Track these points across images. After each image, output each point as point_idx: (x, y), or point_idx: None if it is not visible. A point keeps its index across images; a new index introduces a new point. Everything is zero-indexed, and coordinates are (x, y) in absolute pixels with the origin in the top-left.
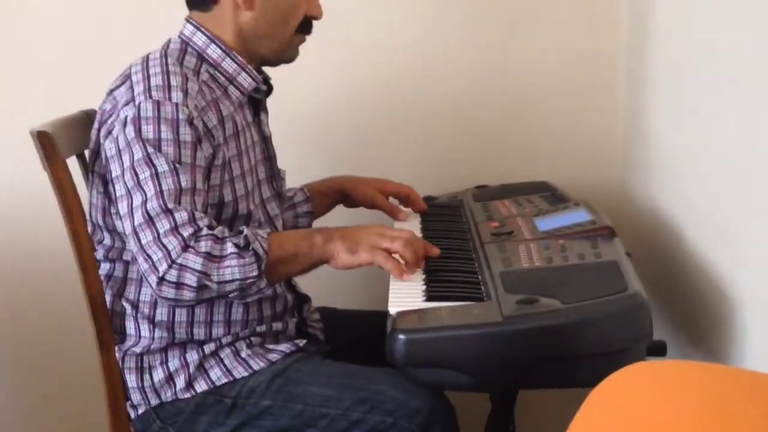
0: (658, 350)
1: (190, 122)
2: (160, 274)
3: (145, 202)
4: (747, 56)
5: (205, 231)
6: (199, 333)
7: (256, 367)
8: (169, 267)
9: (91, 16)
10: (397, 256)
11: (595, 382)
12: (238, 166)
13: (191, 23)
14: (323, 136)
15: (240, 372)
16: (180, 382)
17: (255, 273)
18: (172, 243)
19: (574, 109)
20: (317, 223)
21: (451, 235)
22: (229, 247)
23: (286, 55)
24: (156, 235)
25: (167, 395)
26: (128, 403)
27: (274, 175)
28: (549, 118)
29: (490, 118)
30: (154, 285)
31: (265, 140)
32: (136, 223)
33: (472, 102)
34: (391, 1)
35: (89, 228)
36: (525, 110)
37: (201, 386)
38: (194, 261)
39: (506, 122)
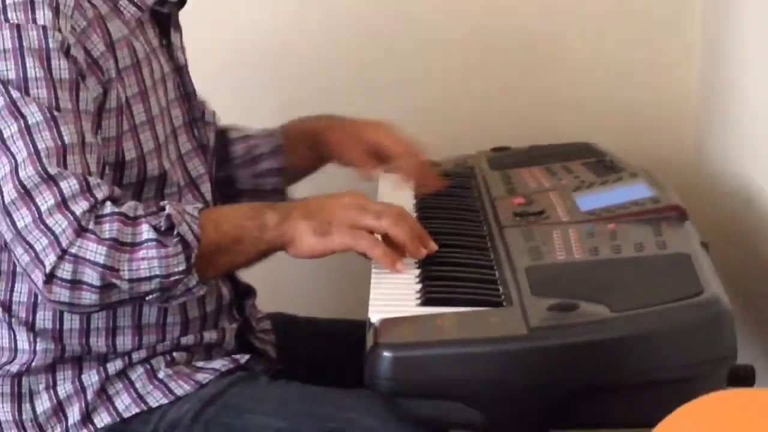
0: (743, 377)
1: (66, 51)
2: (48, 269)
3: (15, 169)
4: None
5: (108, 207)
6: (100, 345)
7: (179, 392)
8: (60, 258)
9: None
10: (380, 237)
11: (656, 420)
12: (141, 108)
13: None
14: (283, 75)
15: (157, 399)
16: (74, 413)
17: (182, 267)
18: (61, 224)
19: (633, 48)
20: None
21: (458, 216)
22: (146, 231)
23: None
24: (37, 214)
25: (55, 431)
26: None
27: (195, 119)
28: (598, 59)
29: (516, 56)
30: (40, 284)
31: (179, 70)
32: (6, 200)
33: (491, 33)
34: None
35: None
36: (565, 46)
37: (103, 419)
38: (95, 250)
39: (538, 61)
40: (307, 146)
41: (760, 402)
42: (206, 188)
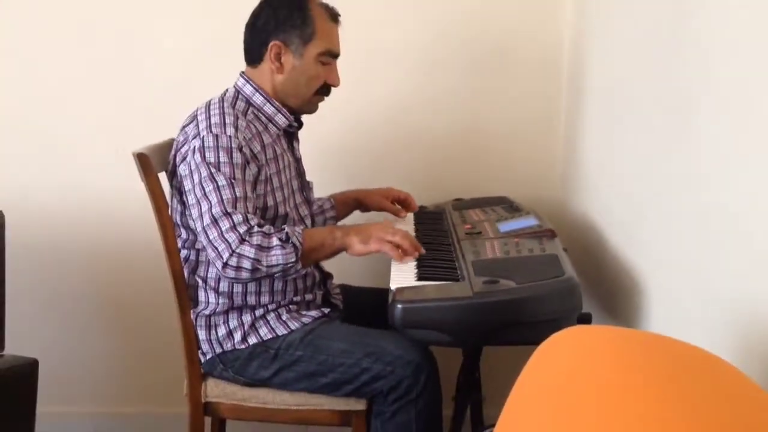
0: (585, 319)
1: (240, 149)
2: (224, 261)
3: (210, 208)
4: (648, 114)
5: (256, 229)
6: (251, 300)
7: (293, 327)
8: (231, 255)
9: (177, 71)
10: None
11: (540, 341)
12: (277, 180)
13: (243, 77)
14: (344, 161)
15: (281, 330)
16: (237, 336)
17: (293, 259)
18: (232, 237)
19: (526, 144)
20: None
21: (437, 234)
22: (275, 241)
23: (305, 109)
24: (220, 232)
25: (228, 346)
26: (199, 351)
27: (304, 186)
28: (508, 150)
29: (467, 149)
30: (219, 268)
31: (297, 161)
32: (204, 224)
33: (454, 136)
34: (396, 60)
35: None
36: (491, 144)
37: (253, 340)
38: (249, 251)
39: (478, 152)
40: (347, 206)
41: (593, 332)
42: (309, 222)
